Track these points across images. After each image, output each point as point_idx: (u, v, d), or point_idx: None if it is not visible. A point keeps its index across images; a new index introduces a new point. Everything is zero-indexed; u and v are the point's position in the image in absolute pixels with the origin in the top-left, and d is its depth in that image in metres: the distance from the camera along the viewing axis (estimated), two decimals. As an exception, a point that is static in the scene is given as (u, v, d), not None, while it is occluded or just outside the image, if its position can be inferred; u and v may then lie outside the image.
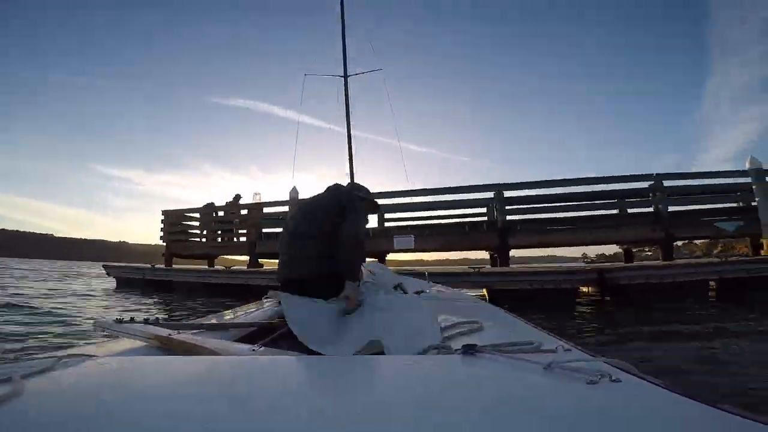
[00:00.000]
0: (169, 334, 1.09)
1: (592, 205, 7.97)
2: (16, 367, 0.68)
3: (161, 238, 12.30)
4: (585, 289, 6.38)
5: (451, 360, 0.82)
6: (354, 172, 5.95)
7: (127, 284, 9.23)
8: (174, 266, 10.98)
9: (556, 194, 8.23)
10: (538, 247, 8.40)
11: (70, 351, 0.94)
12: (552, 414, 0.51)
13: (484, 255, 10.39)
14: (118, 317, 1.27)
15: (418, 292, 2.20)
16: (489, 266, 8.78)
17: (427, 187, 9.23)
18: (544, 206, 8.16)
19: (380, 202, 8.69)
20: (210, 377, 0.70)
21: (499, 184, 8.17)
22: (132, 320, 1.26)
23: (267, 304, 2.03)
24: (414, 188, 8.63)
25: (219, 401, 0.55)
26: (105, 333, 1.20)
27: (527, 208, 8.13)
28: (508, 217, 8.01)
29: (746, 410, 0.48)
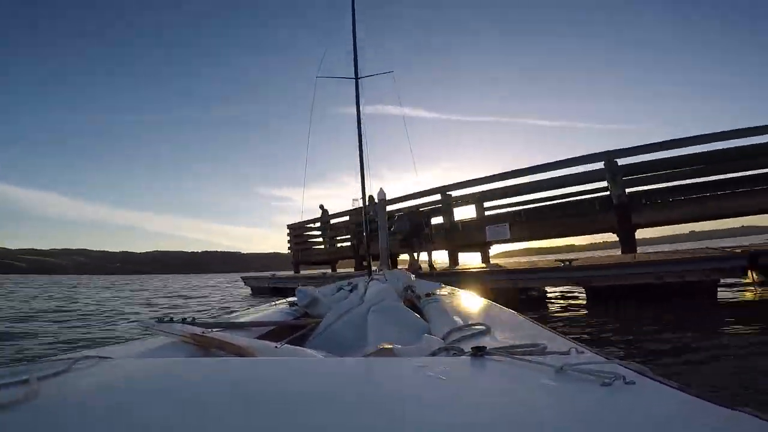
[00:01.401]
0: (203, 332, 1.17)
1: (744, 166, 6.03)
2: (33, 368, 0.72)
3: (288, 248, 13.98)
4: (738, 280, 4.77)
5: (460, 362, 0.81)
6: (365, 172, 5.88)
7: (258, 291, 10.67)
8: (300, 273, 12.32)
9: (692, 154, 6.45)
10: (675, 223, 6.73)
11: (88, 351, 1.01)
12: (566, 416, 0.50)
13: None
14: (160, 317, 1.40)
15: (428, 295, 2.17)
16: (577, 257, 7.26)
17: (524, 167, 8.25)
18: (681, 171, 6.45)
19: (454, 193, 8.76)
20: (221, 378, 0.73)
21: (609, 151, 6.82)
22: (171, 320, 1.38)
23: (283, 304, 2.15)
24: (508, 170, 7.87)
25: (227, 402, 0.56)
26: (147, 331, 1.29)
27: (652, 176, 6.60)
28: (627, 191, 6.63)
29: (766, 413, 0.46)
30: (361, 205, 11.30)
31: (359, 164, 5.79)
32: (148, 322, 1.28)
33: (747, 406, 0.50)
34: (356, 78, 6.01)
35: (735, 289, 4.88)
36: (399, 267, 7.13)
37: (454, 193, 8.71)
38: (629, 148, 6.79)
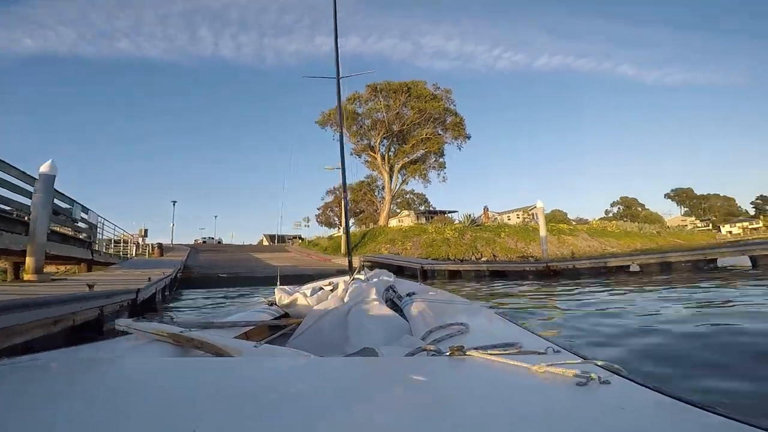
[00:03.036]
0: (181, 331, 1.15)
1: None
2: (7, 363, 0.74)
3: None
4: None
5: (439, 362, 0.81)
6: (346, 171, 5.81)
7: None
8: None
9: None
10: None
11: (64, 349, 1.02)
12: (540, 415, 0.50)
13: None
14: (136, 317, 1.38)
15: (409, 294, 2.18)
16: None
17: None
18: None
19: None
20: (199, 378, 0.73)
21: None
22: (147, 319, 1.36)
23: (263, 304, 2.13)
24: None
25: (205, 402, 0.56)
26: (124, 331, 1.26)
27: None
28: None
29: (737, 412, 0.47)
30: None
31: (341, 160, 5.79)
32: (125, 321, 1.25)
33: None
34: (338, 78, 6.13)
35: None
36: None
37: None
38: None
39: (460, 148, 30.85)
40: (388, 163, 30.28)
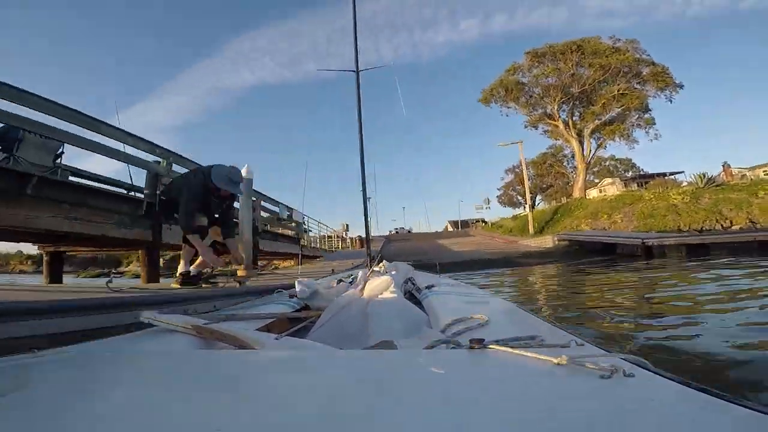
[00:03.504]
0: (204, 323, 1.16)
1: None
2: (33, 359, 0.76)
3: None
4: None
5: (458, 355, 0.80)
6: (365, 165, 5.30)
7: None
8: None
9: None
10: None
11: (89, 343, 1.05)
12: (564, 409, 0.50)
13: None
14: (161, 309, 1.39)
15: (428, 287, 2.17)
16: None
17: None
18: None
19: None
20: (222, 370, 0.74)
21: None
22: (172, 311, 1.37)
23: (284, 297, 2.12)
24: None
25: (228, 394, 0.58)
26: (148, 323, 1.28)
27: None
28: None
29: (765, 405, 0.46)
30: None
31: (360, 155, 5.43)
32: (149, 314, 1.26)
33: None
34: (357, 71, 5.80)
35: None
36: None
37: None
38: None
39: (670, 100, 24.30)
40: (575, 128, 26.10)
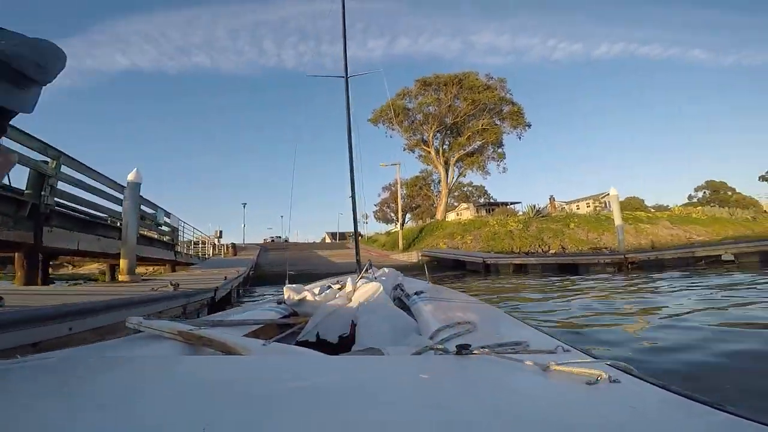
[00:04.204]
0: (190, 329, 1.15)
1: None
2: (17, 363, 0.75)
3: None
4: None
5: (445, 360, 0.81)
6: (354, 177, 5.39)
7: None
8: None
9: None
10: None
11: (75, 348, 1.04)
12: (550, 414, 0.50)
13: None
14: (147, 315, 1.34)
15: (417, 293, 2.18)
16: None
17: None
18: None
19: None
20: (208, 376, 0.74)
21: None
22: (158, 317, 1.35)
23: (272, 303, 2.12)
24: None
25: (214, 400, 0.57)
26: (134, 328, 1.25)
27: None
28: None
29: (748, 411, 0.47)
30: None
31: (349, 161, 5.42)
32: (136, 319, 1.26)
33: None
34: (346, 77, 5.84)
35: None
36: None
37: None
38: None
39: (520, 137, 29.74)
40: (443, 156, 29.85)
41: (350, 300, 1.83)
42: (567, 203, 38.74)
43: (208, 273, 7.65)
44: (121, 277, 5.20)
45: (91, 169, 5.76)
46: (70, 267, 20.80)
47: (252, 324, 1.59)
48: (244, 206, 35.00)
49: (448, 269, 13.39)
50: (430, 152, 29.79)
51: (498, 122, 28.92)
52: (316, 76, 6.75)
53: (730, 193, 57.39)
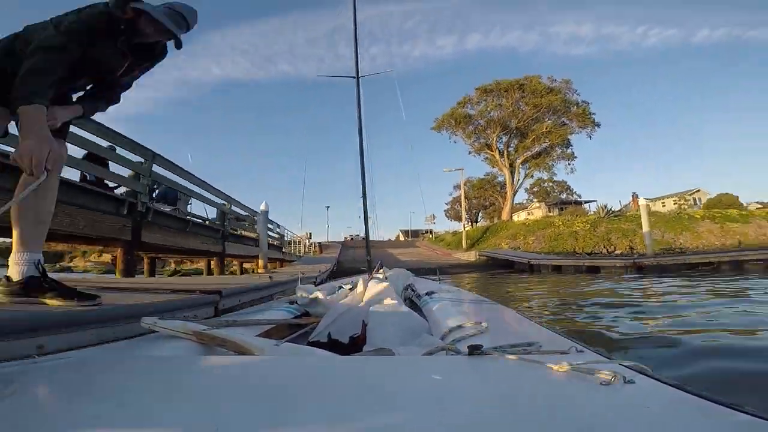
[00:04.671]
0: (204, 330, 1.17)
1: None
2: (35, 364, 0.80)
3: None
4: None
5: (457, 361, 0.83)
6: (366, 178, 5.19)
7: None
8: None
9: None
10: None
11: (91, 349, 1.08)
12: (564, 416, 0.50)
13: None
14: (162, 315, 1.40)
15: (428, 293, 2.25)
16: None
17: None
18: None
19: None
20: (222, 375, 0.77)
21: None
22: (172, 317, 1.38)
23: (284, 303, 2.19)
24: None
25: (228, 400, 0.58)
26: (149, 328, 1.26)
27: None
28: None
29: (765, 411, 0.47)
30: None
31: (360, 162, 5.32)
32: (150, 319, 1.27)
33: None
34: (357, 77, 5.74)
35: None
36: None
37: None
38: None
39: (590, 137, 29.45)
40: (508, 159, 30.70)
41: (361, 300, 1.85)
42: (652, 200, 36.54)
43: (307, 268, 10.20)
44: (259, 271, 8.47)
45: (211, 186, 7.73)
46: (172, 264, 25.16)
47: (265, 324, 1.62)
48: (327, 209, 39.60)
49: (500, 267, 15.21)
50: (495, 155, 30.86)
51: (566, 122, 29.03)
52: (326, 76, 7.21)
53: None
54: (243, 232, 10.47)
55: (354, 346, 1.45)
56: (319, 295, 2.08)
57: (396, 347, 1.15)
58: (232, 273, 13.53)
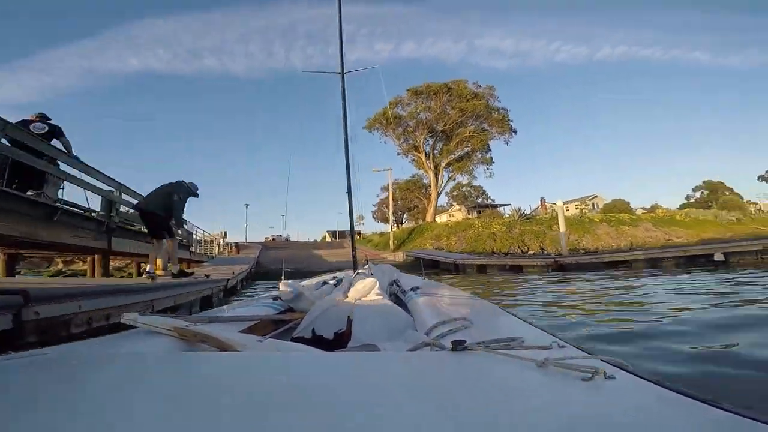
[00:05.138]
0: (186, 326, 1.15)
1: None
2: (13, 360, 0.78)
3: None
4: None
5: (441, 356, 0.83)
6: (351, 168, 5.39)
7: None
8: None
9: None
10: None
11: (69, 344, 1.06)
12: (545, 410, 0.51)
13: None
14: (141, 311, 1.33)
15: (413, 289, 2.25)
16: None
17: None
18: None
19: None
20: (203, 372, 0.74)
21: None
22: (153, 313, 1.32)
23: (267, 299, 2.16)
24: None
25: (209, 397, 0.57)
26: (129, 324, 1.24)
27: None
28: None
29: (742, 408, 0.48)
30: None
31: (345, 159, 5.44)
32: (131, 315, 1.25)
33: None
34: (342, 73, 5.75)
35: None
36: None
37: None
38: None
39: (507, 143, 31.53)
40: (434, 161, 31.66)
41: (346, 296, 1.84)
42: (556, 204, 40.08)
43: (219, 269, 9.45)
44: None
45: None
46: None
47: (247, 320, 1.59)
48: (246, 207, 37.17)
49: (427, 268, 15.27)
50: (421, 157, 31.58)
51: (487, 127, 30.59)
52: (311, 72, 6.77)
53: (727, 192, 58.31)
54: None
55: (339, 342, 1.43)
56: (303, 290, 2.03)
57: (381, 343, 1.15)
58: (130, 275, 11.70)
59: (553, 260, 10.98)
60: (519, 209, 28.63)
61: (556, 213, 33.10)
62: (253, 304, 2.05)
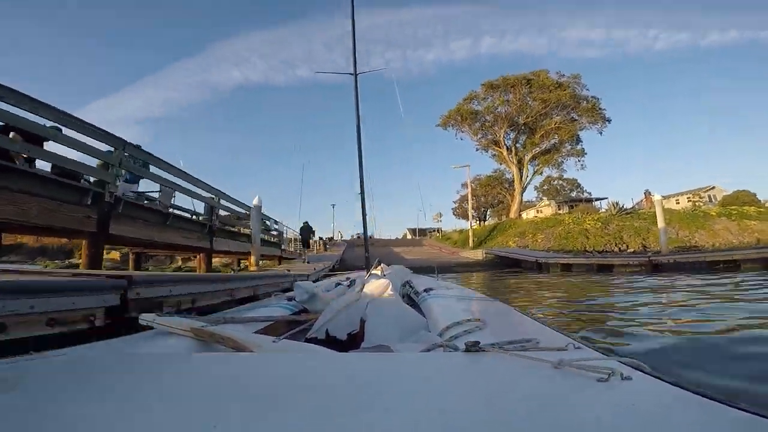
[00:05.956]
0: (202, 326, 1.17)
1: None
2: (28, 361, 0.81)
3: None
4: None
5: (455, 358, 0.82)
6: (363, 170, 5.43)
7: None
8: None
9: None
10: None
11: (89, 344, 1.09)
12: (560, 412, 0.50)
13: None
14: (159, 312, 1.40)
15: (426, 290, 2.25)
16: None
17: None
18: None
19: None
20: (220, 372, 0.75)
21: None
22: (171, 314, 1.40)
23: (282, 300, 2.19)
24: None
25: (226, 396, 0.58)
26: (147, 325, 1.27)
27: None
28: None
29: (764, 409, 0.47)
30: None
31: (358, 157, 5.58)
32: (149, 316, 1.27)
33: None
34: (355, 74, 5.85)
35: None
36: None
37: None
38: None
39: (600, 133, 28.74)
40: (516, 155, 30.17)
41: (359, 297, 1.87)
42: (665, 197, 35.48)
43: (306, 265, 10.38)
44: (251, 268, 8.10)
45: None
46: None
47: (262, 321, 1.62)
48: (333, 207, 39.77)
49: (508, 266, 14.73)
50: (502, 152, 30.29)
51: (576, 117, 28.29)
52: (324, 73, 8.40)
53: None
54: (243, 229, 10.17)
55: (352, 342, 1.44)
56: (318, 291, 2.06)
57: (394, 344, 1.15)
58: (233, 270, 13.34)
59: (647, 259, 9.85)
60: (617, 203, 25.94)
61: (663, 206, 29.36)
62: (268, 305, 2.09)
